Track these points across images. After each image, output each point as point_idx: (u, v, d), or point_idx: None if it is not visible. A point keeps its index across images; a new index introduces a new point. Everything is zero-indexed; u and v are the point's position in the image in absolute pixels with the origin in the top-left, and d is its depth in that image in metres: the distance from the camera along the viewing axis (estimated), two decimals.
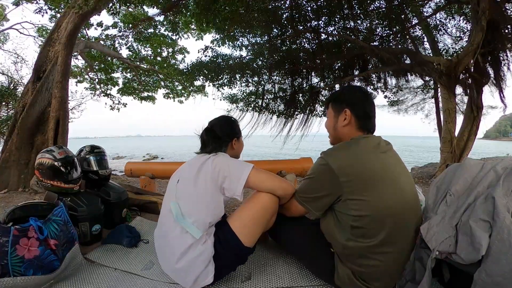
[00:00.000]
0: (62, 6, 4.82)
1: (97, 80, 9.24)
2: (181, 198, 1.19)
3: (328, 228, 1.14)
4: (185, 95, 9.79)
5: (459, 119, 5.12)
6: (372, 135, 1.15)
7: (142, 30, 7.98)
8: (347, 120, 1.13)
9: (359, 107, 1.13)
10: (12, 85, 7.52)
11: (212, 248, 1.14)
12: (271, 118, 6.23)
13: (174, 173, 1.33)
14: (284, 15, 5.29)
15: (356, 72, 5.70)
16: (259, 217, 1.19)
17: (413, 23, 5.50)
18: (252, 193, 1.28)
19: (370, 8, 5.16)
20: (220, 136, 1.33)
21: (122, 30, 7.95)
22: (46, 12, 4.60)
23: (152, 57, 8.83)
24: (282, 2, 5.16)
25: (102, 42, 8.03)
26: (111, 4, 4.62)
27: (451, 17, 5.73)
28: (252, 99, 6.43)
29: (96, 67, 8.69)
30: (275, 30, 5.46)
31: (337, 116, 1.17)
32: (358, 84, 5.87)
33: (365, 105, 1.14)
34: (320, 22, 5.33)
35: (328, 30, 5.51)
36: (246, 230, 1.17)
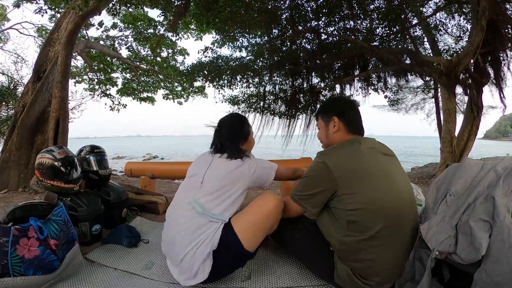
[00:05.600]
0: (62, 6, 4.82)
1: (96, 80, 9.24)
2: (204, 197, 1.22)
3: (325, 226, 1.16)
4: (185, 96, 9.79)
5: (459, 119, 5.12)
6: (365, 137, 1.23)
7: (142, 30, 7.98)
8: (336, 126, 1.23)
9: (344, 113, 1.23)
10: (12, 85, 7.52)
11: (216, 241, 1.15)
12: (273, 119, 6.25)
13: (192, 170, 1.38)
14: (284, 16, 5.30)
15: (356, 72, 5.70)
16: (263, 223, 1.21)
17: (413, 23, 5.50)
18: (257, 196, 1.31)
19: (370, 8, 5.16)
20: (229, 137, 1.39)
21: (123, 30, 7.97)
22: (46, 12, 4.60)
23: (152, 58, 8.83)
24: (282, 2, 5.16)
25: (102, 42, 8.03)
26: (111, 4, 4.62)
27: (451, 17, 5.73)
28: (254, 100, 6.42)
29: (96, 67, 8.69)
30: (275, 30, 5.46)
31: (327, 125, 1.28)
32: (358, 84, 5.92)
33: (350, 111, 1.24)
34: (320, 22, 5.33)
35: (328, 30, 5.51)
36: (249, 234, 1.18)
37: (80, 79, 9.21)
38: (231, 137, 1.39)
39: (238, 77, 6.17)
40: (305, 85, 5.97)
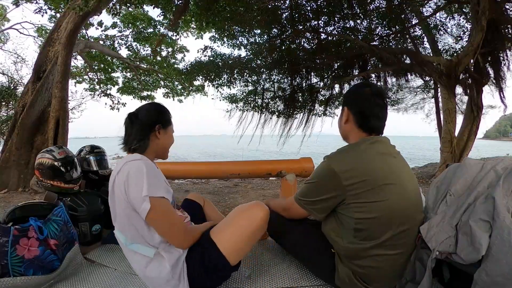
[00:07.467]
0: (62, 6, 4.82)
1: (96, 80, 9.25)
2: (118, 223, 1.05)
3: (330, 231, 1.13)
4: (185, 94, 9.81)
5: (459, 119, 5.13)
6: (377, 136, 1.11)
7: (142, 30, 7.99)
8: (345, 117, 1.15)
9: (355, 105, 1.12)
10: (12, 85, 7.53)
11: (169, 268, 1.02)
12: (271, 118, 6.24)
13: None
14: (284, 15, 5.30)
15: (356, 72, 5.70)
16: (250, 239, 1.11)
17: (413, 23, 5.50)
18: (242, 203, 1.20)
19: (370, 8, 5.16)
20: (143, 121, 1.11)
21: (123, 30, 7.97)
22: (46, 12, 4.60)
23: (151, 57, 8.83)
24: (282, 2, 5.16)
25: (101, 42, 8.03)
26: (111, 4, 4.61)
27: (451, 17, 5.74)
28: (252, 99, 6.41)
29: (96, 67, 8.70)
30: (274, 30, 5.46)
31: (341, 114, 1.20)
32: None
33: (363, 104, 1.10)
34: (319, 21, 5.33)
35: (328, 29, 5.51)
36: (236, 251, 1.08)
37: (80, 79, 9.22)
38: (143, 122, 1.11)
39: (236, 75, 6.15)
40: (304, 84, 5.96)
